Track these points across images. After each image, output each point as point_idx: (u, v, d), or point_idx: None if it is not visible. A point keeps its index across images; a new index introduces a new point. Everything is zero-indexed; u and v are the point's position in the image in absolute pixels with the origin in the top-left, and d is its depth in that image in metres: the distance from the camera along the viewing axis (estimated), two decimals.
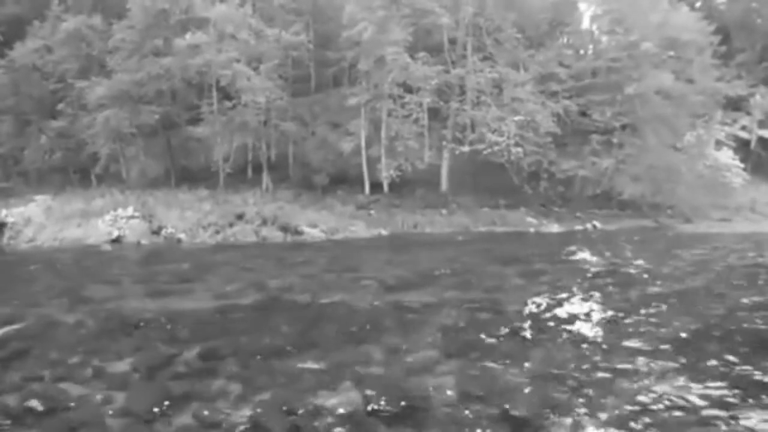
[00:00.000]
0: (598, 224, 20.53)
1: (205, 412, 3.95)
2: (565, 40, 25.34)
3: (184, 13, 19.89)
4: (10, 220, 18.68)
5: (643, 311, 6.78)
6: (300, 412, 3.86)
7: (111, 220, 17.73)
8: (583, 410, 3.83)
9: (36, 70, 21.66)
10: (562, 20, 24.80)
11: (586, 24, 25.64)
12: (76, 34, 21.37)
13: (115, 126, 18.64)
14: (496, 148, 18.71)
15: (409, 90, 18.66)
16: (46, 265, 12.95)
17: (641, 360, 4.82)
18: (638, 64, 22.64)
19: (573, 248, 14.04)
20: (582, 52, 25.23)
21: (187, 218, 17.08)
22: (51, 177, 21.25)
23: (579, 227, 20.14)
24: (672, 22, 24.13)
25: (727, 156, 24.40)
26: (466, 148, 18.85)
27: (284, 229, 16.73)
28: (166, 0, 19.71)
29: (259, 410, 3.93)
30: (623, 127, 22.78)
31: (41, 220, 18.22)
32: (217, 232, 16.71)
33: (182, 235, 16.78)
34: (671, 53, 24.19)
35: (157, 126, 19.71)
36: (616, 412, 3.75)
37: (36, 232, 17.79)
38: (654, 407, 3.84)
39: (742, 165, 24.03)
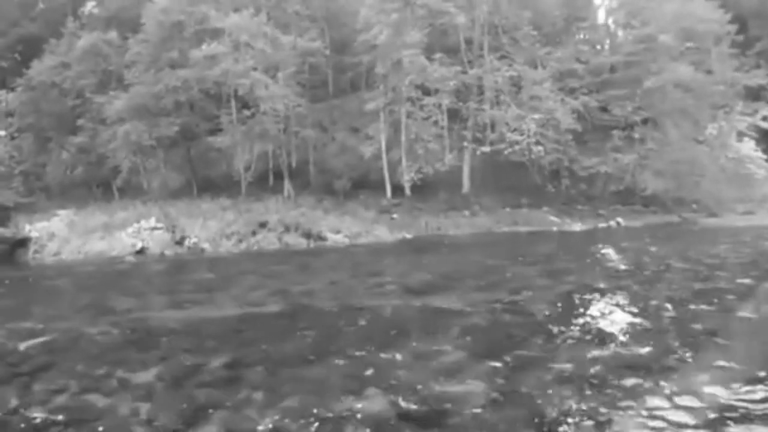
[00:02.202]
0: (621, 221, 20.15)
1: (231, 421, 3.90)
2: (582, 35, 25.07)
3: (199, 24, 19.99)
4: (34, 234, 18.86)
5: (670, 309, 6.59)
6: (326, 418, 3.80)
7: (134, 232, 17.78)
8: (610, 412, 3.74)
9: (54, 86, 21.90)
10: (578, 15, 24.56)
11: (601, 18, 25.40)
12: (92, 49, 21.60)
13: (135, 139, 18.75)
14: (516, 147, 18.48)
15: (427, 92, 18.52)
16: (70, 279, 13.01)
17: (670, 360, 4.70)
18: (656, 56, 22.30)
19: (597, 246, 13.80)
20: (599, 47, 24.95)
21: (210, 228, 17.06)
22: (73, 191, 21.45)
23: (602, 225, 19.79)
24: (688, 13, 23.77)
25: (749, 147, 23.86)
26: (486, 149, 18.66)
27: (307, 235, 16.63)
28: (180, 12, 19.86)
29: (284, 417, 3.88)
30: (644, 121, 22.41)
31: (65, 234, 18.36)
32: (240, 241, 16.65)
33: (205, 245, 16.76)
34: (688, 44, 23.77)
35: (177, 137, 19.81)
36: (645, 413, 3.66)
37: (60, 246, 17.93)
38: (683, 408, 3.73)
39: (764, 156, 23.48)
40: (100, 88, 20.91)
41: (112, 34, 21.93)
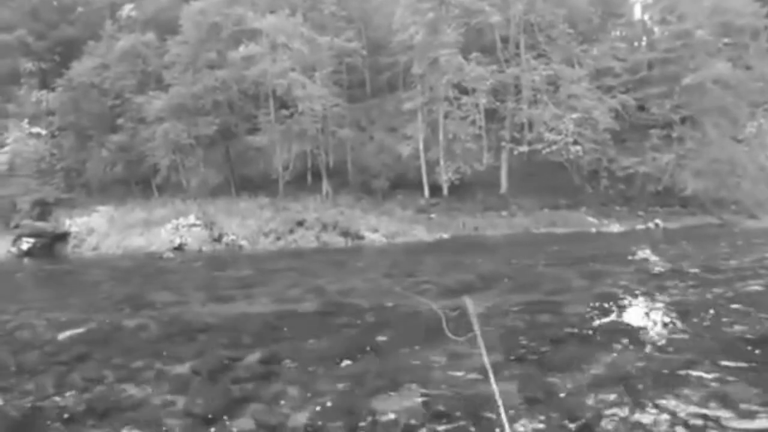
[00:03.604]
0: (660, 222, 19.72)
1: (265, 416, 3.90)
2: (618, 32, 24.59)
3: (236, 25, 20.25)
4: (74, 229, 19.39)
5: (710, 314, 6.44)
6: (359, 415, 3.79)
7: (173, 229, 18.10)
8: (644, 418, 3.69)
9: (94, 87, 22.41)
10: (613, 12, 24.11)
11: (637, 14, 24.88)
12: (131, 51, 22.05)
13: (174, 138, 19.07)
14: (554, 147, 18.22)
15: (464, 91, 18.40)
16: (109, 272, 13.31)
17: (705, 365, 4.59)
18: (693, 53, 21.74)
19: (635, 248, 13.54)
20: (636, 44, 24.43)
21: (248, 225, 17.28)
22: (113, 188, 21.93)
23: (641, 226, 19.42)
24: (725, 7, 23.16)
25: None
26: (524, 148, 18.44)
27: (345, 234, 16.72)
28: (217, 14, 20.14)
29: (318, 414, 3.87)
30: (683, 120, 21.85)
31: (104, 230, 18.81)
32: (278, 239, 16.82)
33: (243, 242, 16.97)
34: (726, 40, 23.17)
35: (216, 136, 20.08)
36: (679, 421, 3.60)
37: (99, 241, 18.38)
38: (718, 415, 3.67)
39: None
40: (139, 88, 21.34)
41: (150, 36, 22.35)
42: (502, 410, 3.39)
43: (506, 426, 3.00)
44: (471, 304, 5.53)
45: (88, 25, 27.26)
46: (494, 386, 3.81)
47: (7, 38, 26.37)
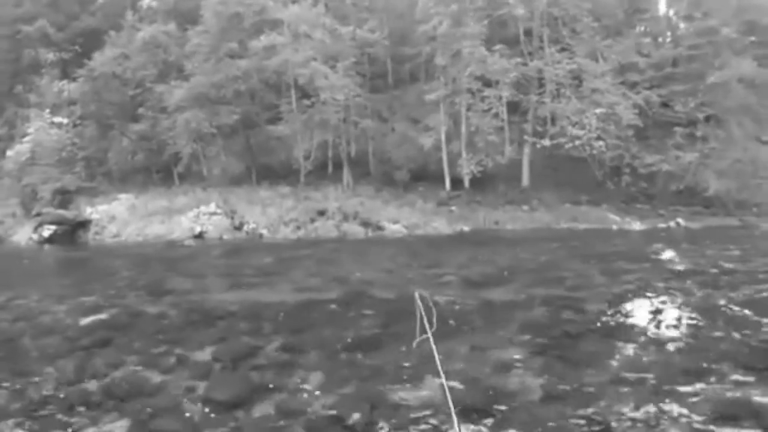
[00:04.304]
0: (681, 222, 19.39)
1: (286, 402, 3.87)
2: (642, 28, 24.27)
3: (257, 15, 20.24)
4: (95, 217, 19.54)
5: (729, 314, 6.43)
6: (380, 405, 3.76)
7: (194, 217, 18.16)
8: (663, 416, 3.67)
9: (115, 77, 22.57)
10: (638, 6, 23.78)
11: (662, 9, 24.53)
12: (152, 41, 22.17)
13: (196, 127, 19.12)
14: (577, 142, 17.95)
15: (487, 84, 18.22)
16: (129, 259, 13.40)
17: (724, 367, 4.55)
18: (719, 50, 21.40)
19: (656, 247, 13.44)
20: (660, 39, 24.10)
21: (269, 214, 17.29)
22: (134, 177, 22.07)
23: (662, 225, 19.13)
24: (750, 5, 22.82)
25: None
26: (547, 142, 18.22)
27: (365, 224, 16.65)
28: (239, 4, 20.14)
29: (338, 402, 3.84)
30: (707, 118, 21.48)
31: (125, 217, 18.94)
32: (299, 228, 16.80)
33: (264, 231, 16.98)
34: (752, 38, 22.81)
35: (237, 125, 20.11)
36: (698, 418, 3.59)
37: (120, 228, 18.50)
38: (736, 414, 3.64)
39: None
40: (160, 78, 21.45)
41: (171, 26, 22.46)
42: (452, 409, 3.36)
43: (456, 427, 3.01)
44: (420, 300, 5.46)
45: (109, 15, 27.51)
46: (444, 383, 3.74)
47: (28, 29, 26.68)
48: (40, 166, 21.12)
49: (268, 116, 20.48)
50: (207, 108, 19.42)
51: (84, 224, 19.36)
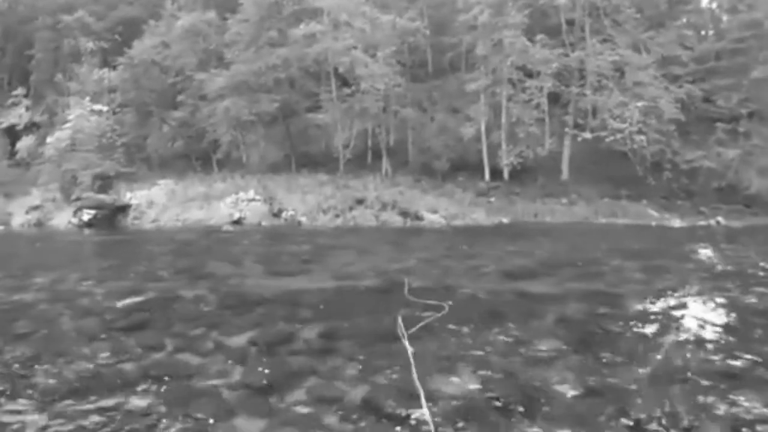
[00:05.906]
0: (722, 220, 18.91)
1: (320, 389, 3.87)
2: (685, 20, 23.72)
3: (297, 4, 20.39)
4: (134, 202, 19.89)
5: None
6: (415, 395, 3.71)
7: (232, 203, 18.40)
8: (698, 418, 3.59)
9: (155, 65, 23.00)
10: None
11: (705, 1, 23.92)
12: (192, 29, 22.51)
13: (235, 114, 19.38)
14: (618, 135, 17.68)
15: (528, 74, 18.06)
16: (168, 244, 13.56)
17: (760, 370, 4.41)
18: (763, 44, 20.79)
19: (697, 245, 13.01)
20: (703, 32, 23.52)
21: (308, 201, 17.43)
22: (173, 163, 22.46)
23: (702, 223, 18.68)
24: None
25: None
26: (588, 135, 17.97)
27: (404, 214, 16.68)
28: None
29: (374, 391, 3.82)
30: (750, 114, 20.93)
31: (164, 202, 19.24)
32: (337, 216, 16.92)
33: (302, 218, 17.13)
34: None
35: (277, 113, 20.31)
36: (732, 424, 3.50)
37: (159, 214, 18.81)
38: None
39: None
40: (199, 66, 21.78)
41: (211, 15, 22.77)
42: (425, 409, 3.35)
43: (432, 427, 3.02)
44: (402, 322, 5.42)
45: (147, 5, 28.05)
46: (417, 382, 3.80)
47: (68, 19, 27.34)
48: (80, 152, 21.57)
49: (308, 104, 20.64)
50: (247, 96, 19.66)
51: (123, 209, 19.70)
